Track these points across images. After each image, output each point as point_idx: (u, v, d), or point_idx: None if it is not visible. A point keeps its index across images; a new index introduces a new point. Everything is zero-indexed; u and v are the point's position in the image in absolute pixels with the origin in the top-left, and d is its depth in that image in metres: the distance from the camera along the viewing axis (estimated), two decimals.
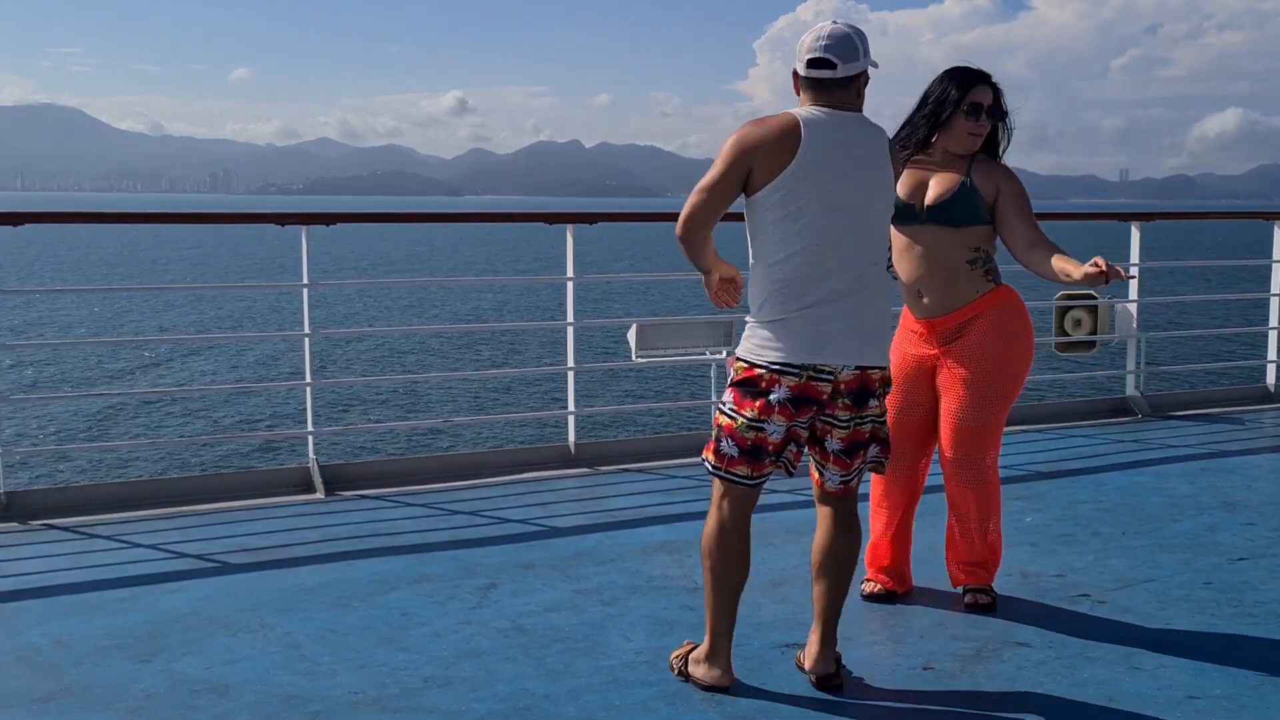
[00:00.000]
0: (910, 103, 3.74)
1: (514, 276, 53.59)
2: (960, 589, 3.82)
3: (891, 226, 3.35)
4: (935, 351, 3.71)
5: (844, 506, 3.22)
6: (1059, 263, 3.41)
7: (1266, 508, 5.00)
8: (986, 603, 3.74)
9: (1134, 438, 6.47)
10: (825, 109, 3.04)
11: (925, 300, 3.68)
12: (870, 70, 3.08)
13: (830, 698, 3.07)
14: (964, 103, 3.62)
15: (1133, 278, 3.48)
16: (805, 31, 3.13)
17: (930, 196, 3.63)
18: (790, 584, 3.97)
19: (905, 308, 3.80)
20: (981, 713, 3.00)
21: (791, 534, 4.53)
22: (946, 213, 3.61)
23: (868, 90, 3.27)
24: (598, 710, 3.00)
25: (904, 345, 3.80)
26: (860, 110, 3.09)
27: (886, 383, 3.14)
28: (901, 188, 3.59)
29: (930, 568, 4.11)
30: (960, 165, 3.67)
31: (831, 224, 2.98)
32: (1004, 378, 3.64)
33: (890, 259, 3.39)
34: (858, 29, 3.06)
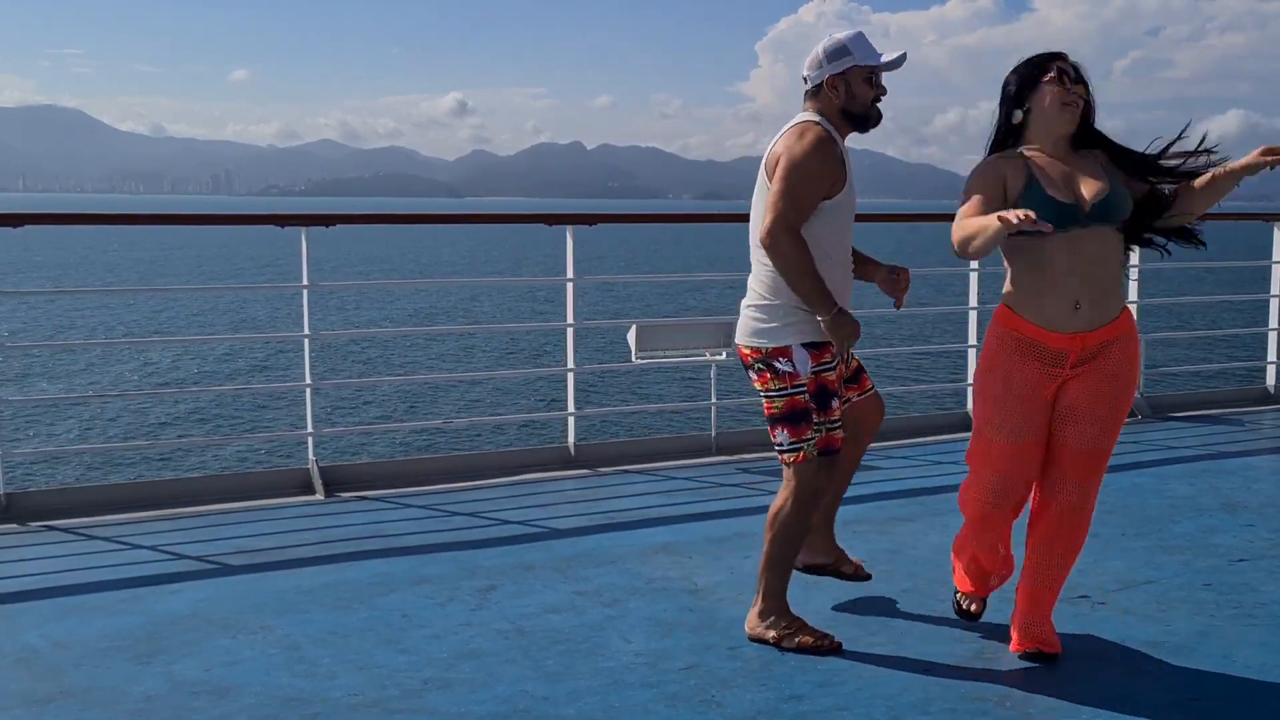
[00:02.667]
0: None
1: (514, 277, 53.61)
2: (1020, 654, 3.39)
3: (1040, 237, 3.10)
4: (1065, 372, 3.25)
5: None
6: (1212, 177, 3.20)
7: (1267, 509, 5.00)
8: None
9: (1134, 439, 6.47)
10: None
11: (1080, 312, 3.20)
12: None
13: (831, 699, 3.07)
14: (1047, 71, 3.20)
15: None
16: (814, 37, 3.27)
17: (1090, 192, 3.19)
18: (790, 584, 3.96)
19: (1016, 322, 3.28)
20: (981, 713, 3.00)
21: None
22: (1113, 209, 3.19)
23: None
24: (597, 712, 3.00)
25: (1024, 362, 3.27)
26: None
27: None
28: (1050, 188, 3.19)
29: (930, 568, 4.11)
30: (1088, 157, 3.26)
31: None
32: (1131, 397, 3.37)
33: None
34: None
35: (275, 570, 4.19)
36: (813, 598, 3.86)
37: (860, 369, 3.73)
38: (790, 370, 3.42)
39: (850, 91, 3.45)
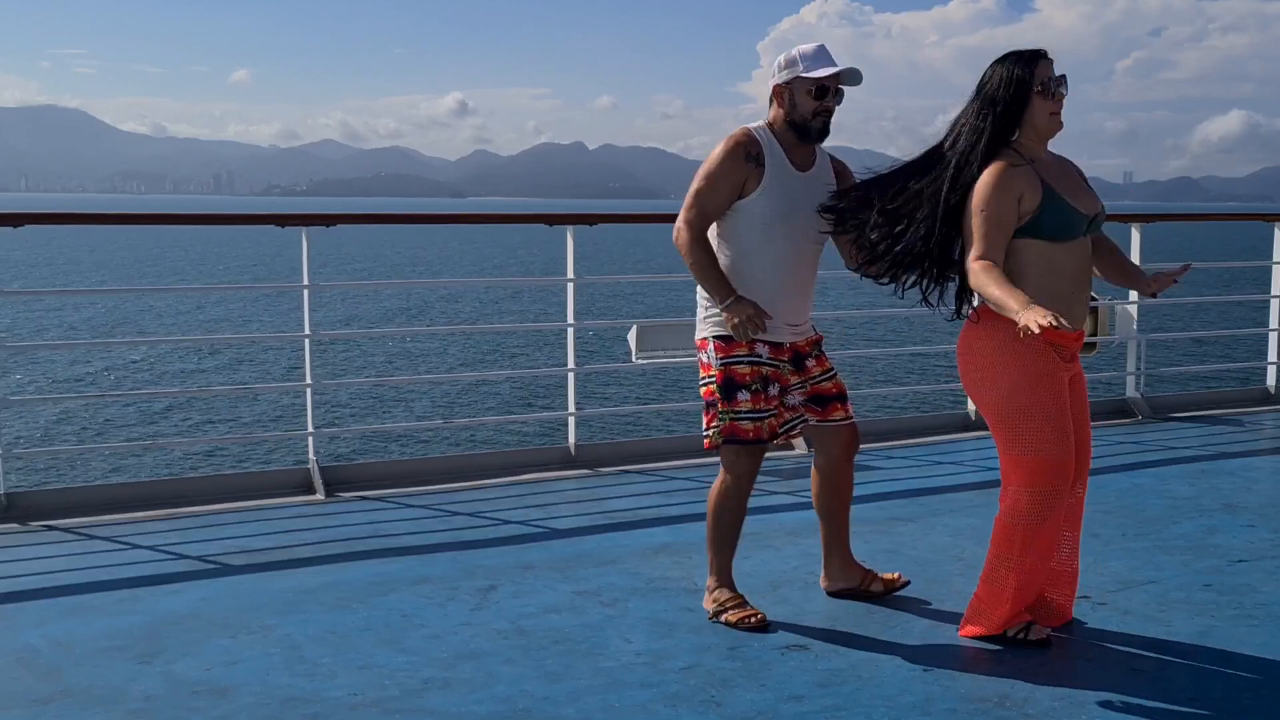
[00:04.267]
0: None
1: (514, 278, 53.60)
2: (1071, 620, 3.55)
3: (1045, 241, 3.23)
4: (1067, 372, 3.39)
5: None
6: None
7: (1267, 510, 5.00)
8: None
9: (1134, 439, 6.47)
10: None
11: (1076, 312, 3.29)
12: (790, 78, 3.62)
13: (831, 699, 3.07)
14: (1035, 81, 3.24)
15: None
16: (816, 37, 3.38)
17: (1084, 205, 3.30)
18: (790, 584, 3.97)
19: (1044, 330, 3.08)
20: (981, 713, 3.00)
21: (791, 535, 4.53)
22: (1099, 221, 3.37)
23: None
24: (597, 712, 3.00)
25: (1056, 365, 3.33)
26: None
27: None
28: (1069, 196, 3.27)
29: (930, 568, 4.11)
30: (1065, 164, 3.37)
31: None
32: None
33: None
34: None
35: (275, 570, 4.19)
36: (812, 597, 3.86)
37: (837, 396, 3.74)
38: (706, 360, 3.66)
39: (793, 101, 3.61)
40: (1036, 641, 3.41)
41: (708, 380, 3.63)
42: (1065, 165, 3.39)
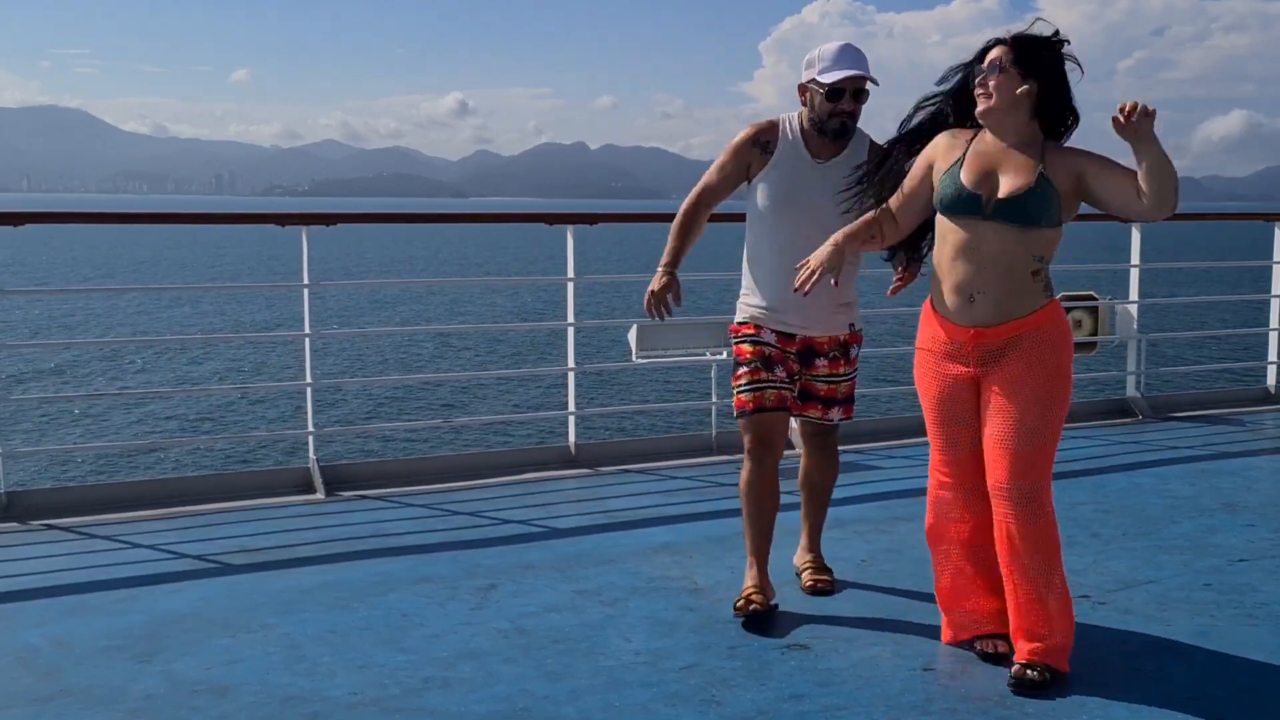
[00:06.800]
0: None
1: (514, 277, 53.58)
2: (1018, 665, 3.19)
3: (943, 215, 3.24)
4: (974, 370, 3.24)
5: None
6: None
7: (1267, 509, 5.00)
8: (1042, 682, 3.12)
9: (1134, 439, 6.47)
10: None
11: (975, 304, 3.18)
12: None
13: (831, 699, 3.07)
14: (982, 59, 3.22)
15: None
16: (818, 36, 3.44)
17: (1004, 189, 3.14)
18: (791, 584, 3.97)
19: (930, 312, 3.35)
20: (981, 713, 3.00)
21: (792, 534, 4.52)
22: (1020, 211, 3.12)
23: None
24: (597, 711, 3.00)
25: (938, 362, 3.31)
26: None
27: None
28: (966, 173, 3.19)
29: (930, 568, 4.10)
30: (1033, 153, 3.17)
31: None
32: (1059, 397, 3.20)
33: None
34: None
35: (275, 570, 4.19)
36: (813, 596, 3.86)
37: (822, 398, 3.83)
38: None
39: (811, 101, 3.68)
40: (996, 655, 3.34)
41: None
42: (1020, 153, 3.17)
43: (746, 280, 3.82)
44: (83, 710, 3.01)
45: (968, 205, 3.17)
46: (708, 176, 3.78)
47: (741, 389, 3.70)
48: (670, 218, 3.88)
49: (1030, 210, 3.11)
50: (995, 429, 3.21)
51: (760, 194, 3.70)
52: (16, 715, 2.99)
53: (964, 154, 3.24)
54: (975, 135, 3.27)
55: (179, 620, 3.65)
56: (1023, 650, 3.20)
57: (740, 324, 3.79)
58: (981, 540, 3.38)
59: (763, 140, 3.70)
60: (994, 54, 3.18)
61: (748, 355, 3.72)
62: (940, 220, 3.27)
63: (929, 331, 3.34)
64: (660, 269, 3.69)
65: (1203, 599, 3.85)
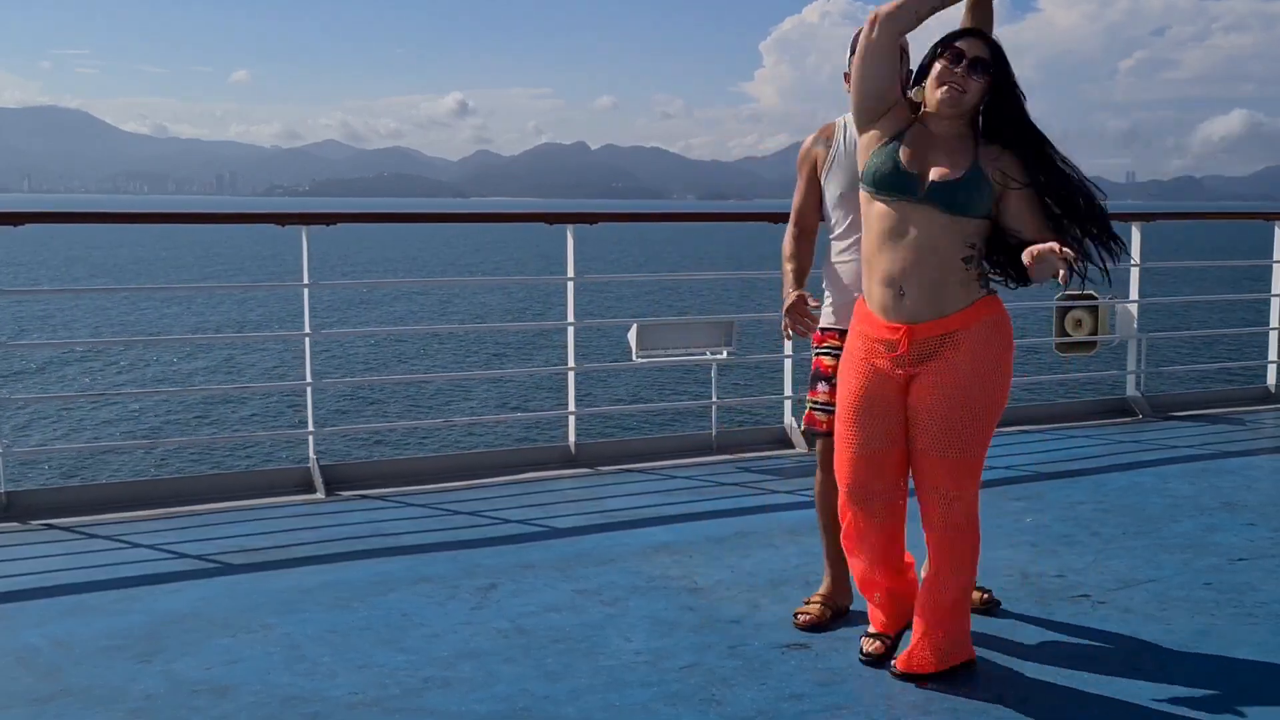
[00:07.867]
0: None
1: (514, 277, 53.57)
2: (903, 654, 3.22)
3: (870, 198, 3.14)
4: (905, 371, 3.14)
5: None
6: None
7: (1267, 508, 5.00)
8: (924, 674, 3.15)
9: (1134, 438, 6.47)
10: None
11: (906, 300, 3.09)
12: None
13: (831, 699, 3.07)
14: (948, 47, 3.11)
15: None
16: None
17: (936, 172, 3.07)
18: (790, 584, 3.96)
19: (862, 308, 3.26)
20: (981, 713, 3.00)
21: (792, 534, 4.53)
22: (950, 196, 3.04)
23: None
24: (597, 711, 3.00)
25: (865, 358, 3.20)
26: None
27: None
28: (904, 153, 3.10)
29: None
30: (969, 145, 3.12)
31: None
32: (991, 402, 3.12)
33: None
34: None
35: (275, 569, 4.19)
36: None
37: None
38: None
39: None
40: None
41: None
42: (959, 141, 3.12)
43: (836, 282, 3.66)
44: (83, 710, 3.01)
45: (902, 184, 3.08)
46: (795, 199, 3.73)
47: (818, 406, 3.62)
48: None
49: (961, 197, 3.04)
50: (925, 432, 3.13)
51: (826, 189, 3.65)
52: (16, 715, 2.99)
53: (903, 133, 3.15)
54: (916, 118, 3.19)
55: (179, 620, 3.65)
56: (914, 640, 3.21)
57: (823, 332, 3.65)
58: (893, 547, 3.34)
59: (825, 136, 3.65)
60: (977, 52, 3.10)
61: (830, 370, 3.57)
62: (868, 206, 3.17)
63: (860, 328, 3.24)
64: (787, 291, 3.57)
65: (1203, 598, 3.85)
